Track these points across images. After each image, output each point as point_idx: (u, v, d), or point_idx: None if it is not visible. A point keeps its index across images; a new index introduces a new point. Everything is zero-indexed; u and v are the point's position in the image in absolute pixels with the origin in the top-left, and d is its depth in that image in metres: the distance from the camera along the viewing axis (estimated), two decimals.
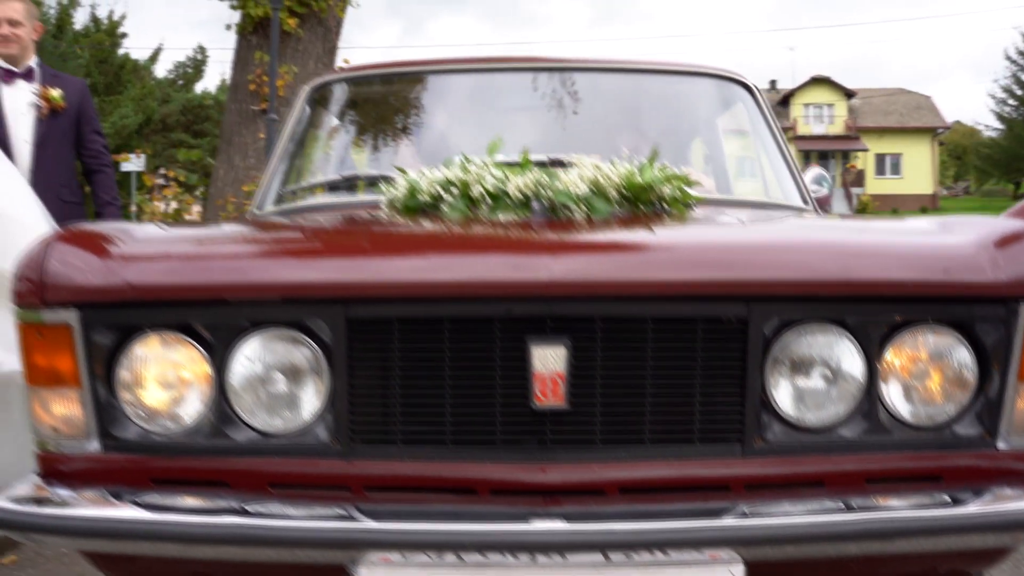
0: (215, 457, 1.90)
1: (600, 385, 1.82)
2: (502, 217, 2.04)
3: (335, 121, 3.72)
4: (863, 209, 57.00)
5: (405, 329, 1.82)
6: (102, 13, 51.19)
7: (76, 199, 4.96)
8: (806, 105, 61.90)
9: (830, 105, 61.62)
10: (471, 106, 3.67)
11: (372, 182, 3.22)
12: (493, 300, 1.78)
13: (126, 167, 37.49)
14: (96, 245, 1.95)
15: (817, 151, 60.48)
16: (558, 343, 1.78)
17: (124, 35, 51.67)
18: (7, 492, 1.96)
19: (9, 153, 4.60)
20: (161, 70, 58.78)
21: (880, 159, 61.11)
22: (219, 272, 1.85)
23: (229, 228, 2.32)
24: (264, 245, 2.03)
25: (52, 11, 44.69)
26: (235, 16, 10.79)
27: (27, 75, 4.78)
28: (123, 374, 1.91)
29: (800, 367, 1.87)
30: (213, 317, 1.87)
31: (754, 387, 1.85)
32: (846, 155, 60.94)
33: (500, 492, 1.83)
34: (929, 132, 61.21)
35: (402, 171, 2.72)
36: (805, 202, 3.32)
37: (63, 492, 1.93)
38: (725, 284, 1.80)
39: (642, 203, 2.18)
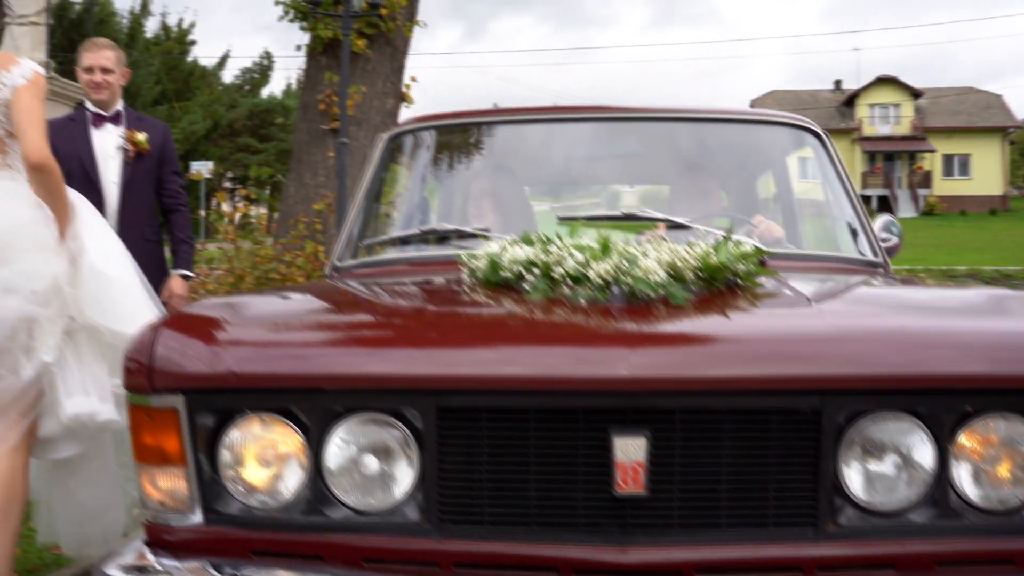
0: (311, 532, 2.01)
1: (678, 473, 1.90)
2: (582, 299, 2.13)
3: (413, 171, 3.82)
4: (930, 211, 56.13)
5: (493, 418, 1.92)
6: (172, 21, 51.88)
7: (156, 238, 5.14)
8: (871, 105, 61.01)
9: (896, 105, 60.66)
10: (547, 156, 3.75)
11: (451, 236, 3.30)
12: (576, 394, 1.87)
13: (196, 170, 38.26)
14: (201, 331, 2.07)
15: (883, 152, 59.68)
16: (638, 434, 1.86)
17: (193, 42, 52.53)
18: (115, 559, 2.08)
19: (99, 194, 4.79)
20: (228, 76, 59.44)
21: (948, 160, 60.03)
22: (317, 364, 1.96)
23: (322, 304, 2.43)
24: (357, 331, 2.14)
25: (124, 20, 45.60)
26: (304, 36, 11.01)
27: (115, 119, 4.96)
28: (225, 453, 2.03)
29: (872, 453, 1.93)
30: (310, 403, 1.98)
31: (827, 473, 1.91)
32: (912, 156, 59.97)
33: (582, 571, 1.91)
34: (999, 132, 60.00)
35: (484, 236, 2.82)
36: (875, 253, 3.36)
37: (167, 562, 2.04)
38: (800, 379, 1.88)
39: (717, 281, 2.25)
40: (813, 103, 63.62)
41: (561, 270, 2.22)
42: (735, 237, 2.51)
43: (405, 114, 11.28)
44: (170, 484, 2.05)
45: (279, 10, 10.89)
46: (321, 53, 10.77)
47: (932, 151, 58.59)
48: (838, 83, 66.12)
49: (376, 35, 10.63)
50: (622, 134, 3.76)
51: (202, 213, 40.98)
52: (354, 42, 10.46)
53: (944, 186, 59.38)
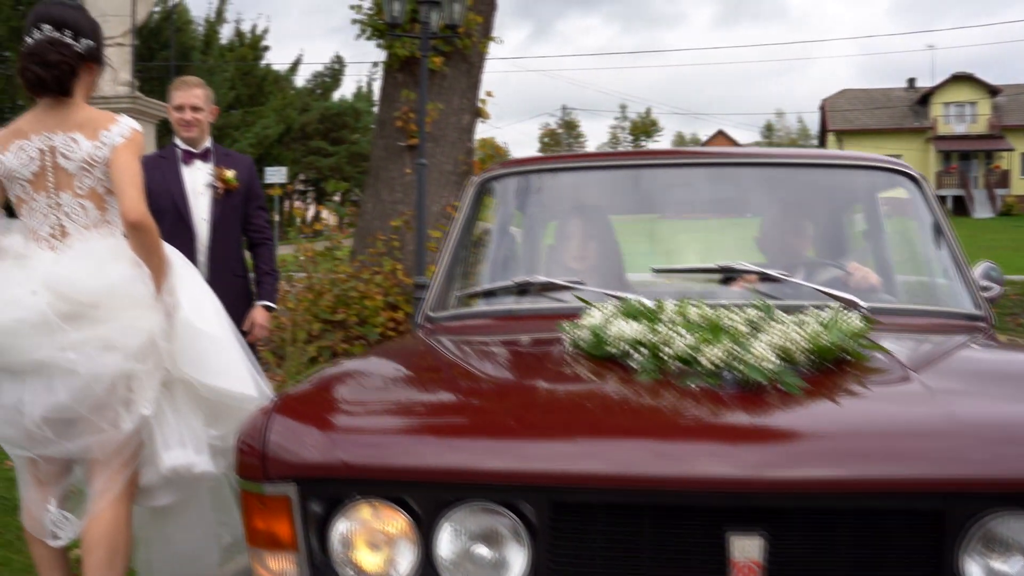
0: None
1: (796, 571, 1.87)
2: (692, 384, 2.11)
3: (504, 217, 3.82)
4: (1008, 211, 54.80)
5: (608, 514, 1.91)
6: (245, 27, 52.57)
7: (244, 273, 5.20)
8: (947, 104, 59.64)
9: (972, 103, 59.19)
10: (638, 201, 3.73)
11: (546, 287, 3.29)
12: (692, 493, 1.85)
13: (269, 178, 38.73)
14: (313, 416, 2.09)
15: (958, 151, 58.37)
16: (755, 533, 1.84)
17: (266, 48, 53.15)
18: None
19: (190, 231, 4.86)
20: (300, 80, 60.07)
21: None
22: (429, 457, 1.97)
23: (428, 379, 2.44)
24: (468, 418, 2.14)
25: (200, 28, 46.24)
26: (378, 51, 11.09)
27: (204, 155, 5.03)
28: (336, 538, 2.04)
29: (994, 551, 1.89)
30: (422, 492, 1.99)
31: (947, 571, 1.87)
32: (989, 155, 58.54)
33: None
34: None
35: (585, 301, 2.81)
36: (977, 305, 3.28)
37: None
38: (922, 482, 1.84)
39: (828, 361, 2.22)
40: (885, 102, 62.58)
41: (670, 351, 2.20)
42: (836, 293, 2.46)
43: (481, 129, 11.33)
44: (281, 567, 2.08)
45: (353, 22, 10.99)
46: (398, 70, 10.85)
47: (1010, 150, 57.17)
48: (911, 81, 64.90)
49: (452, 52, 10.69)
50: (713, 179, 3.72)
51: (276, 217, 41.60)
52: (431, 60, 10.51)
53: (1023, 185, 57.93)
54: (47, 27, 3.38)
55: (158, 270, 3.36)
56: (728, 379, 2.10)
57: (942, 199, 56.00)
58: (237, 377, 3.46)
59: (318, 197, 70.73)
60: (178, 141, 5.06)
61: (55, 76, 3.33)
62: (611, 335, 2.36)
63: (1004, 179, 57.65)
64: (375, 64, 13.42)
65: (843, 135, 59.82)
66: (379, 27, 10.64)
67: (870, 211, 3.82)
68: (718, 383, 2.09)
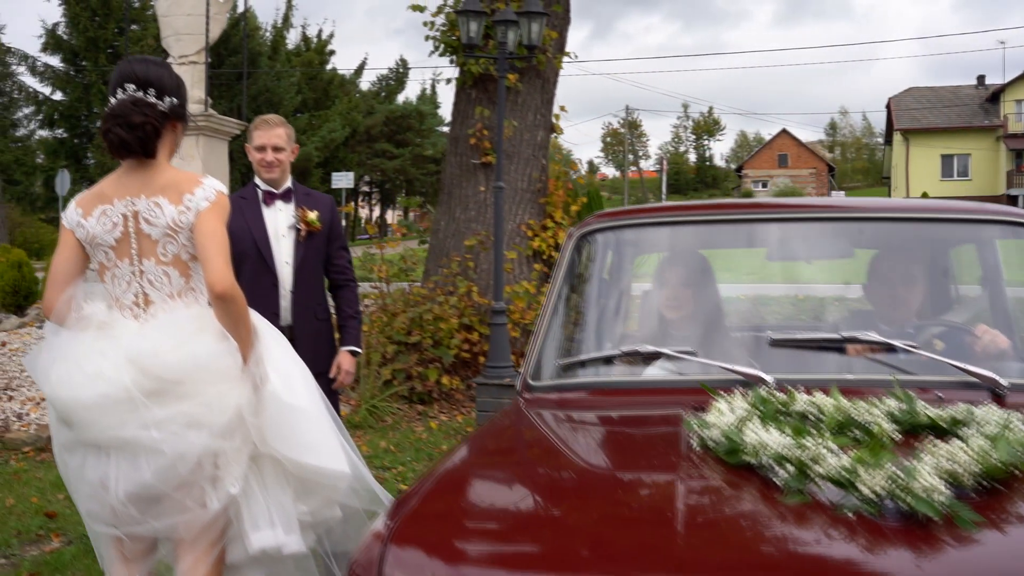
0: None
1: None
2: (849, 512, 1.89)
3: (604, 273, 3.62)
4: None
5: None
6: (311, 31, 53.03)
7: (327, 316, 5.04)
8: (1018, 101, 58.44)
9: None
10: (749, 257, 3.52)
11: (655, 356, 3.09)
12: None
13: (336, 183, 38.95)
14: (431, 546, 1.92)
15: None
16: None
17: (332, 52, 53.59)
18: None
19: (273, 275, 4.72)
20: (364, 83, 60.40)
21: None
22: None
23: (547, 488, 2.25)
24: (596, 551, 1.94)
25: (268, 34, 46.70)
26: (437, 66, 10.96)
27: (286, 195, 4.89)
28: None
29: None
30: None
31: None
32: None
33: None
34: None
35: (709, 390, 2.60)
36: None
37: None
38: None
39: (997, 482, 2.00)
40: (954, 99, 61.54)
41: (820, 469, 1.99)
42: (973, 369, 2.24)
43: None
44: None
45: (427, 38, 10.85)
46: (471, 87, 10.70)
47: None
48: (981, 78, 63.69)
49: (526, 68, 10.51)
50: (823, 234, 3.50)
51: (344, 224, 41.62)
52: (506, 77, 10.35)
53: None
54: (131, 87, 3.28)
55: (245, 341, 3.22)
56: (890, 508, 1.89)
57: (1013, 199, 55.17)
58: (328, 452, 3.32)
59: (382, 200, 71.19)
60: (259, 181, 4.91)
61: (139, 138, 3.23)
62: (749, 443, 2.15)
63: None
64: (448, 81, 13.32)
65: (910, 134, 58.95)
66: (453, 44, 10.49)
67: (989, 268, 3.56)
68: (877, 511, 1.88)
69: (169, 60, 11.12)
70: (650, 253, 3.72)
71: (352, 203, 57.48)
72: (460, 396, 9.71)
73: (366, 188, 66.15)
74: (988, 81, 62.99)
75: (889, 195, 65.67)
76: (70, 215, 3.35)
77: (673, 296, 3.49)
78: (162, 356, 3.08)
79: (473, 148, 10.62)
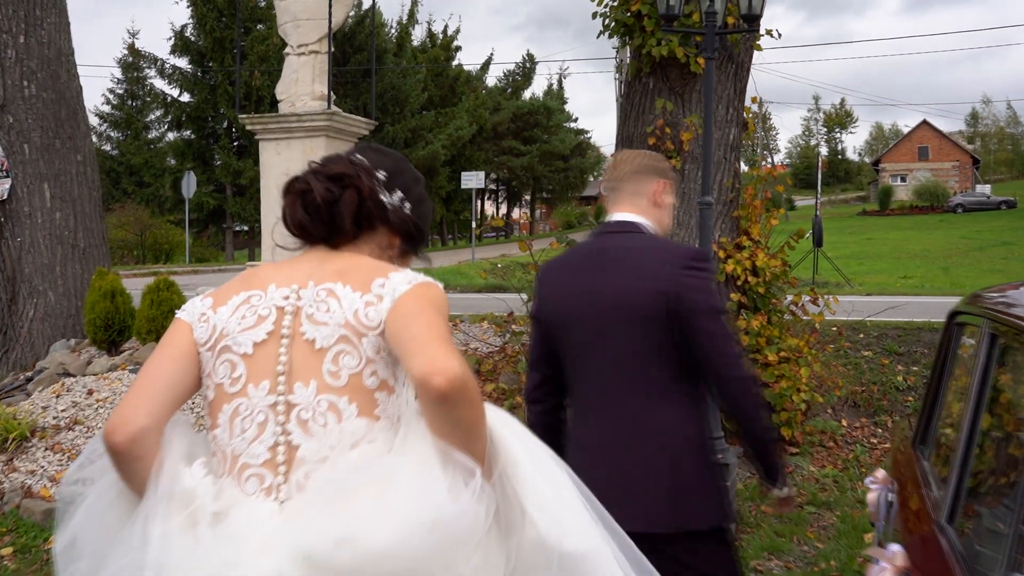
0: None
1: None
2: None
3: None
4: None
5: None
6: (437, 28, 51.92)
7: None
8: None
9: None
10: None
11: None
12: None
13: (466, 183, 37.61)
14: None
15: None
16: None
17: (458, 48, 52.35)
18: None
19: None
20: (490, 79, 59.16)
21: None
22: None
23: None
24: None
25: (393, 31, 45.57)
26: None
27: None
28: None
29: None
30: None
31: None
32: None
33: None
34: None
35: None
36: None
37: None
38: None
39: None
40: None
41: None
42: None
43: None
44: None
45: (595, 15, 8.89)
46: (648, 75, 8.72)
47: None
48: None
49: (717, 51, 8.47)
50: None
51: (473, 225, 40.37)
52: (693, 61, 8.36)
53: None
54: (358, 157, 2.31)
55: (481, 458, 1.97)
56: None
57: None
58: None
59: (509, 198, 69.81)
60: None
61: (330, 196, 2.21)
62: None
63: None
64: (619, 70, 11.28)
65: None
66: (627, 21, 8.51)
67: None
68: None
69: (287, 51, 9.41)
70: None
71: (480, 202, 56.24)
72: None
73: (493, 186, 64.87)
74: None
75: None
76: (192, 305, 2.23)
77: None
78: (361, 540, 1.84)
79: (652, 150, 8.63)
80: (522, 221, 72.03)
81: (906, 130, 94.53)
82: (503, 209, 72.49)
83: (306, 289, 2.12)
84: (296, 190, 2.22)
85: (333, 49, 9.60)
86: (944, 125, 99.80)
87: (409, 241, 2.35)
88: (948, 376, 3.43)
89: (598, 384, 3.11)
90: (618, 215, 3.30)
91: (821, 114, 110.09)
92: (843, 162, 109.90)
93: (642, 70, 8.69)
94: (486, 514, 1.95)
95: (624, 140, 9.00)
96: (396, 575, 1.85)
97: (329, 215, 2.19)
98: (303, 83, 9.16)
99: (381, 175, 2.28)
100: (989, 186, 75.91)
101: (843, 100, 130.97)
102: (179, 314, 2.20)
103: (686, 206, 8.63)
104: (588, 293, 3.15)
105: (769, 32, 8.65)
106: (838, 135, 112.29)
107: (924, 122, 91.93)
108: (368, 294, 2.07)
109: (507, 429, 2.09)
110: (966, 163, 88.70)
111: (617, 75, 26.95)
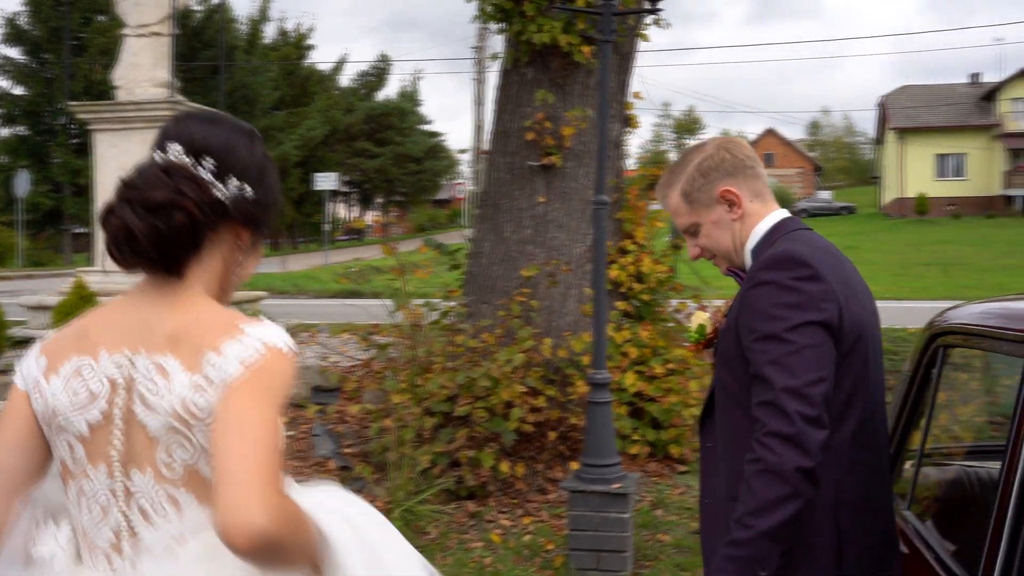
0: None
1: None
2: None
3: None
4: None
5: None
6: (289, 26, 50.54)
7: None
8: (1014, 100, 57.40)
9: None
10: None
11: None
12: None
13: (320, 185, 36.58)
14: None
15: None
16: None
17: (311, 47, 51.18)
18: None
19: None
20: (344, 79, 58.10)
21: None
22: None
23: None
24: None
25: (244, 27, 44.08)
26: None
27: None
28: None
29: None
30: None
31: None
32: None
33: None
34: None
35: None
36: None
37: None
38: None
39: None
40: (949, 98, 60.52)
41: None
42: None
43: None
44: None
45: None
46: (526, 64, 8.06)
47: None
48: (975, 76, 62.67)
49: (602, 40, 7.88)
50: None
51: (327, 228, 39.28)
52: (576, 48, 7.74)
53: None
54: (176, 148, 1.90)
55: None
56: None
57: (1009, 199, 53.82)
58: None
59: (362, 200, 68.61)
60: None
61: (156, 233, 1.82)
62: None
63: None
64: (494, 57, 10.82)
65: (904, 132, 57.96)
66: (505, 6, 7.84)
67: None
68: None
69: (125, 31, 8.43)
70: None
71: (332, 204, 55.08)
72: (523, 486, 7.07)
73: (345, 188, 63.66)
74: (984, 79, 61.96)
75: (878, 195, 64.50)
76: (27, 364, 1.94)
77: None
78: None
79: (530, 146, 7.98)
80: (375, 225, 71.10)
81: (752, 137, 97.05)
82: (355, 212, 71.28)
83: (139, 356, 1.85)
84: (113, 226, 1.84)
85: (178, 31, 8.66)
86: (788, 133, 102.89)
87: (258, 229, 2.03)
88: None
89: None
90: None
91: (671, 120, 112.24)
92: None
93: (520, 59, 8.02)
94: None
95: (499, 135, 8.32)
96: None
97: (159, 253, 1.85)
98: (143, 68, 8.19)
99: (210, 165, 1.92)
100: (830, 192, 78.57)
101: (692, 107, 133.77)
102: (16, 380, 1.96)
103: (567, 207, 8.01)
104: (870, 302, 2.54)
105: (657, 22, 8.09)
106: (687, 141, 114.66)
107: (769, 130, 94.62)
108: (197, 375, 1.79)
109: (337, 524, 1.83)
110: (809, 170, 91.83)
111: (474, 77, 26.46)
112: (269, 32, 48.76)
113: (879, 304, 2.54)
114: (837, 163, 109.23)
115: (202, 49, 36.88)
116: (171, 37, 8.29)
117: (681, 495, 7.18)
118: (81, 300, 8.28)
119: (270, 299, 14.44)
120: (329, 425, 8.10)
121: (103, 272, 9.02)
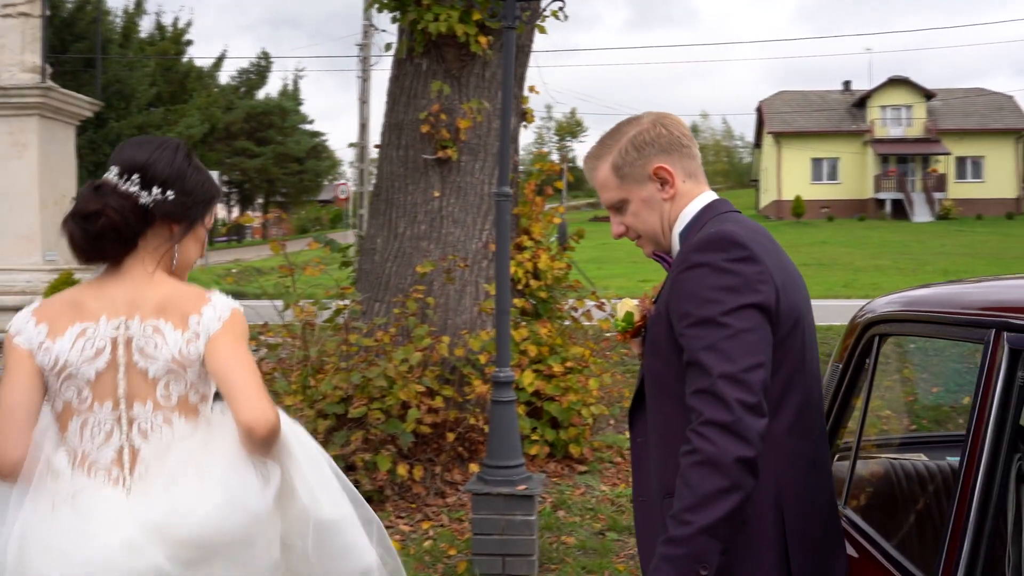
0: None
1: None
2: None
3: None
4: (945, 215, 54.16)
5: None
6: (166, 20, 49.13)
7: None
8: (883, 107, 59.34)
9: (908, 107, 59.04)
10: None
11: None
12: None
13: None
14: None
15: (896, 155, 58.16)
16: None
17: (189, 42, 49.85)
18: None
19: None
20: (224, 77, 56.84)
21: (961, 162, 58.45)
22: None
23: None
24: None
25: (118, 20, 42.65)
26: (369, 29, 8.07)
27: None
28: None
29: None
30: None
31: None
32: (926, 159, 58.26)
33: None
34: (1013, 134, 58.13)
35: None
36: None
37: None
38: None
39: None
40: (822, 104, 62.18)
41: None
42: None
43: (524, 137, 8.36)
44: None
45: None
46: (421, 55, 7.83)
47: (947, 153, 57.02)
48: (847, 84, 64.63)
49: (499, 31, 7.69)
50: None
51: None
52: (472, 38, 7.54)
53: (958, 189, 58.03)
54: (113, 171, 2.57)
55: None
56: None
57: (880, 202, 55.69)
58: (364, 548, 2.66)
59: (242, 200, 67.33)
60: None
61: (90, 235, 2.51)
62: None
63: (941, 183, 57.72)
64: (388, 47, 10.55)
65: (781, 137, 59.44)
66: None
67: None
68: None
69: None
70: None
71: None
72: (421, 489, 6.82)
73: (225, 188, 62.33)
74: (855, 87, 63.87)
75: (756, 197, 65.83)
76: (26, 330, 2.54)
77: None
78: (206, 517, 2.38)
79: (424, 139, 7.74)
80: (255, 225, 69.78)
81: None
82: (235, 212, 69.84)
83: (133, 321, 2.50)
84: (64, 231, 2.52)
85: (48, 13, 8.17)
86: None
87: (187, 222, 2.60)
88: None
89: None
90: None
91: (553, 122, 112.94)
92: (573, 169, 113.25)
93: (415, 50, 7.79)
94: (274, 498, 2.45)
95: (393, 127, 8.06)
96: (214, 541, 2.36)
97: (97, 248, 2.51)
98: (10, 51, 7.67)
99: (136, 179, 2.53)
100: None
101: (574, 110, 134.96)
102: (16, 340, 2.51)
103: (463, 202, 7.80)
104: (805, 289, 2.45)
105: (555, 14, 7.92)
106: (569, 144, 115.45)
107: None
108: (187, 331, 2.48)
109: (285, 425, 2.52)
110: None
111: (359, 75, 26.02)
112: (145, 26, 47.46)
113: None
114: (716, 166, 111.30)
115: (73, 41, 35.47)
116: (42, 19, 7.81)
117: (583, 495, 7.03)
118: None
119: None
120: None
121: None
